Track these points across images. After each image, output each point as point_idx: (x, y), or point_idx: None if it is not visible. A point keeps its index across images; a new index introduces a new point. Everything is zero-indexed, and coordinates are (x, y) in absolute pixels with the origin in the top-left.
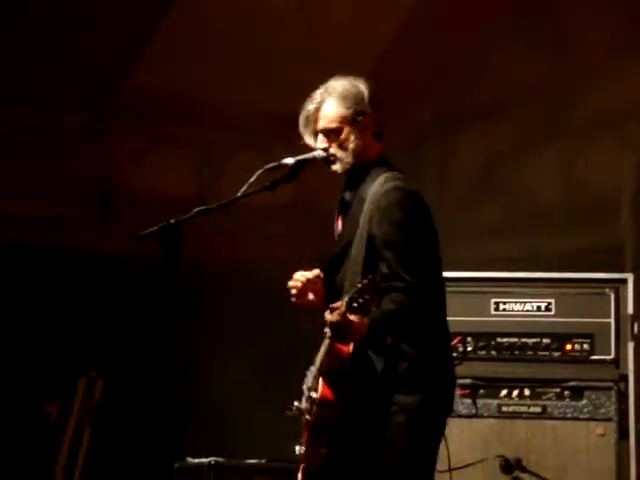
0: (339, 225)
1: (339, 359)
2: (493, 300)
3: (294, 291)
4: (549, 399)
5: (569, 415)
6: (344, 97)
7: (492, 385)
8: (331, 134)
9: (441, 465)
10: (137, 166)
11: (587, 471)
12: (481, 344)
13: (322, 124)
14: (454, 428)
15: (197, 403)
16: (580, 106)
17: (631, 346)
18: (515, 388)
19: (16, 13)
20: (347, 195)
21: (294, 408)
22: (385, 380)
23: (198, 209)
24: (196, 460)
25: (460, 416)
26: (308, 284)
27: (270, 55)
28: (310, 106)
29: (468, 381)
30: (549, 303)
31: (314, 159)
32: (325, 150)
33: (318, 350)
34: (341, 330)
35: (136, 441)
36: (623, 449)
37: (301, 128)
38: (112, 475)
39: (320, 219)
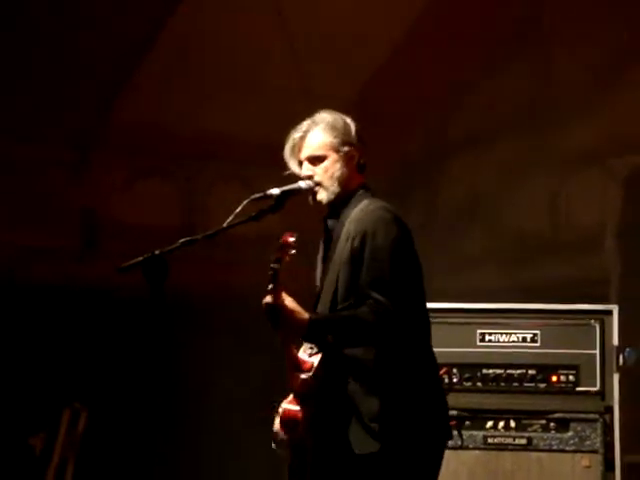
0: (320, 252)
1: (299, 370)
2: (479, 331)
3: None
4: (535, 431)
5: (555, 447)
6: (332, 127)
7: (478, 416)
8: (316, 162)
9: None
10: (121, 198)
11: None
12: (467, 375)
13: (308, 152)
14: None
15: (183, 436)
16: (564, 138)
17: (616, 378)
18: (501, 419)
19: (6, 47)
20: (329, 225)
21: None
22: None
23: (183, 240)
24: None
25: (446, 448)
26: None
27: (255, 87)
28: (296, 135)
29: (454, 412)
30: (535, 334)
31: (299, 189)
32: (310, 178)
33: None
34: (274, 313)
35: (120, 474)
36: None
37: (286, 156)
38: None
39: (306, 248)
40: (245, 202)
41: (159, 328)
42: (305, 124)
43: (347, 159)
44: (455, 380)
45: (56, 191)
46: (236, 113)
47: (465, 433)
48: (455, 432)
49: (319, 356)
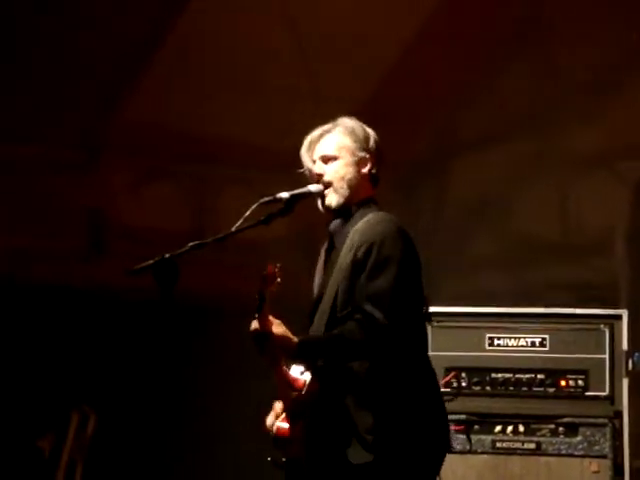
0: (321, 261)
1: (292, 389)
2: (488, 335)
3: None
4: (543, 435)
5: (563, 452)
6: (351, 131)
7: (486, 421)
8: (329, 162)
9: None
10: (129, 199)
11: None
12: (475, 379)
13: (322, 150)
14: (448, 464)
15: (192, 438)
16: (573, 141)
17: (626, 382)
18: (509, 424)
19: (6, 47)
20: (332, 230)
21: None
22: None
23: (193, 243)
24: None
25: (454, 452)
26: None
27: (264, 89)
28: (315, 133)
29: (462, 417)
30: (544, 339)
31: (309, 193)
32: (320, 176)
33: None
34: (260, 340)
35: (129, 477)
36: None
37: (302, 153)
38: None
39: (315, 252)
40: (254, 206)
41: (168, 331)
42: (327, 125)
43: (360, 165)
44: (464, 384)
45: (63, 192)
46: (244, 115)
47: (473, 437)
48: (464, 436)
49: (309, 375)
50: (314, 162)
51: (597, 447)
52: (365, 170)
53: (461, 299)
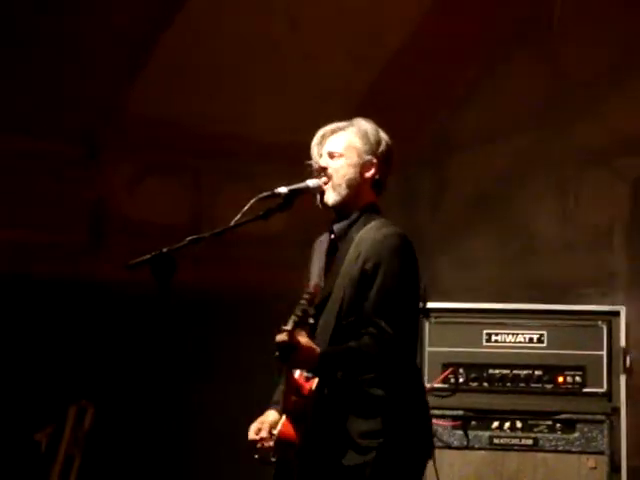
0: (323, 264)
1: (299, 394)
2: (485, 331)
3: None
4: (541, 431)
5: (561, 448)
6: (364, 134)
7: (484, 417)
8: (335, 158)
9: None
10: (129, 194)
11: None
12: (473, 375)
13: (331, 146)
14: (445, 460)
15: (190, 433)
16: (572, 137)
17: (623, 379)
18: (507, 420)
19: (7, 44)
20: (336, 231)
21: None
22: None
23: (191, 238)
24: None
25: (451, 448)
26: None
27: (263, 84)
28: (329, 127)
29: (460, 412)
30: (541, 335)
31: (307, 188)
32: (323, 169)
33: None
34: (288, 350)
35: (126, 471)
36: None
37: (313, 145)
38: None
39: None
40: (253, 200)
41: (166, 325)
42: (343, 122)
43: (364, 168)
44: (461, 380)
45: (63, 187)
46: (243, 110)
47: (471, 433)
48: (461, 432)
49: (316, 380)
50: (321, 156)
51: (594, 444)
52: (368, 174)
53: (459, 294)
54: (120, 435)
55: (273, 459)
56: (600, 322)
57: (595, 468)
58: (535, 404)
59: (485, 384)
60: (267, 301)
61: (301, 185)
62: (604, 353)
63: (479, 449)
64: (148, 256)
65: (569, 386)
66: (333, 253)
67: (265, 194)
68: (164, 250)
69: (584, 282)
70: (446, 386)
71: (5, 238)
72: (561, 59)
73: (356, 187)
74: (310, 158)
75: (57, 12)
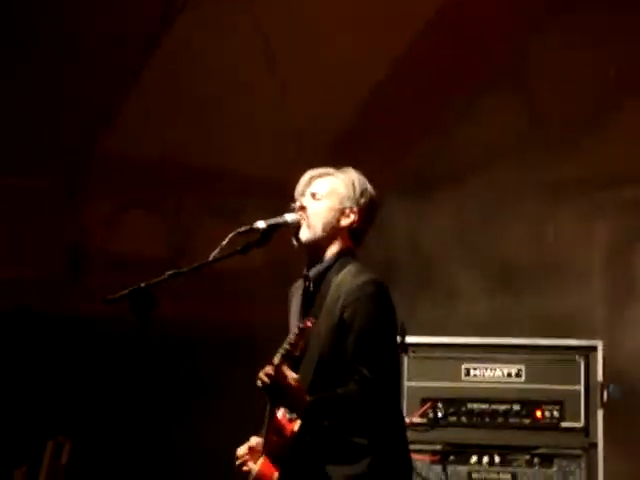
0: (298, 307)
1: (280, 435)
2: (464, 366)
3: (260, 384)
4: (519, 466)
5: None
6: (350, 183)
7: (462, 451)
8: (316, 200)
9: None
10: (107, 229)
11: None
12: (451, 410)
13: (315, 188)
14: None
15: (168, 468)
16: (552, 171)
17: (600, 414)
18: (485, 454)
19: None
20: (314, 277)
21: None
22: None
23: (169, 272)
24: None
25: None
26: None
27: (241, 119)
28: (319, 170)
29: (438, 447)
30: (519, 369)
31: (286, 223)
32: (302, 208)
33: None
34: (275, 387)
35: None
36: None
37: (301, 183)
38: None
39: (291, 281)
40: (231, 235)
41: (145, 360)
42: (334, 169)
43: (343, 215)
44: (440, 415)
45: (40, 222)
46: (224, 146)
47: (450, 468)
48: (440, 467)
49: (299, 422)
50: (304, 195)
51: (572, 478)
52: (345, 222)
53: (437, 329)
54: (98, 470)
55: None
56: (577, 356)
57: None
58: (513, 438)
59: (463, 419)
60: (247, 335)
61: (279, 220)
62: (581, 387)
63: None
64: (126, 291)
65: (547, 421)
66: (309, 299)
67: (243, 228)
68: (142, 285)
69: (562, 316)
70: (424, 421)
71: None
72: (540, 94)
73: (331, 232)
74: (292, 197)
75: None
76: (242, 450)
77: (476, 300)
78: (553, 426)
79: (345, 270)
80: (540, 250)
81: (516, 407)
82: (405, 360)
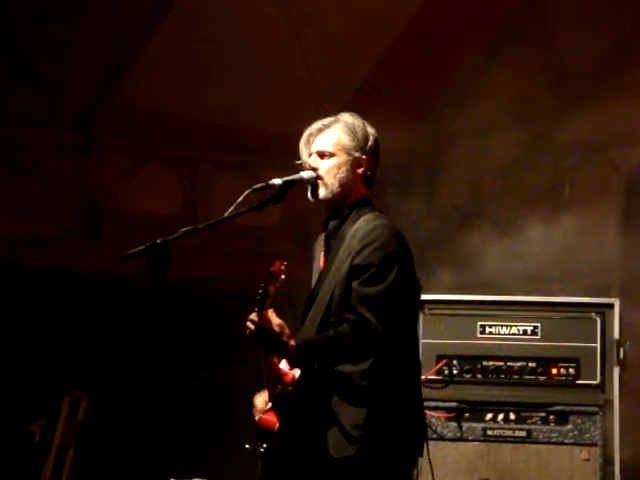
0: (321, 264)
1: (282, 383)
2: (479, 323)
3: (247, 332)
4: (534, 423)
5: (554, 439)
6: (351, 129)
7: (477, 409)
8: (325, 158)
9: None
10: (123, 184)
11: None
12: (467, 367)
13: (319, 146)
14: (439, 452)
15: (182, 423)
16: (566, 129)
17: (617, 371)
18: (500, 412)
19: (6, 34)
20: (329, 232)
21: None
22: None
23: (185, 229)
24: None
25: (445, 439)
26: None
27: (257, 75)
28: (315, 126)
29: (453, 404)
30: (535, 327)
31: (301, 180)
32: (314, 170)
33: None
34: (260, 333)
35: (120, 461)
36: (608, 474)
37: (301, 145)
38: None
39: (306, 240)
40: (247, 192)
41: (160, 315)
42: (328, 119)
43: (355, 165)
44: (455, 372)
45: (58, 176)
46: (239, 100)
47: (464, 425)
48: (455, 424)
49: (299, 369)
50: (310, 155)
51: (587, 435)
52: (359, 171)
53: (453, 287)
54: (114, 425)
55: (262, 449)
56: (594, 314)
57: (588, 460)
58: (529, 396)
59: (479, 376)
60: (256, 287)
61: (295, 176)
62: (598, 345)
63: (472, 441)
64: (142, 247)
65: (563, 378)
66: (328, 252)
67: (259, 185)
68: (158, 241)
69: (579, 274)
70: (440, 378)
71: None
72: (556, 48)
73: (347, 184)
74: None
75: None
76: (259, 402)
77: (492, 258)
78: (569, 383)
79: (360, 220)
80: (556, 208)
81: (532, 364)
82: (420, 317)
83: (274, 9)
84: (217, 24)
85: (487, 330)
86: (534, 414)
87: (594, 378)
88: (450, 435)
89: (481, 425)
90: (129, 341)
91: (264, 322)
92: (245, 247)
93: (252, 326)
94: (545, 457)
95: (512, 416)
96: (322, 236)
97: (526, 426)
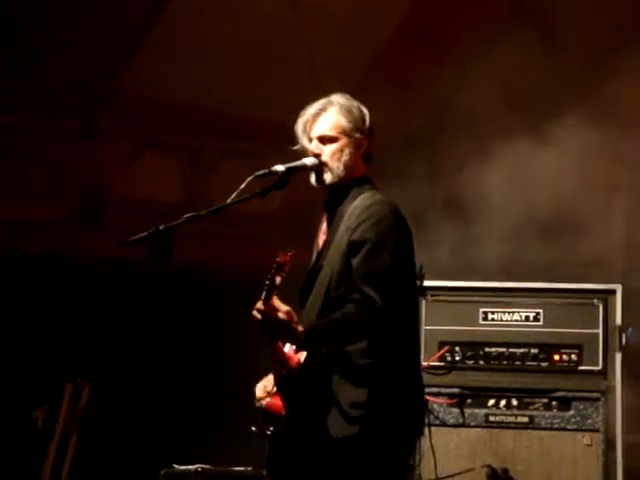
0: (320, 243)
1: (287, 367)
2: (482, 310)
3: (255, 320)
4: (536, 409)
5: (556, 425)
6: (347, 110)
7: (480, 395)
8: (326, 142)
9: (428, 474)
10: (125, 171)
11: None
12: (469, 353)
13: (320, 130)
14: (441, 437)
15: (185, 409)
16: (567, 120)
17: (619, 357)
18: (503, 398)
19: (8, 23)
20: (330, 211)
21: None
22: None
23: (187, 215)
24: (182, 467)
25: (447, 425)
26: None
27: (259, 60)
28: (311, 110)
29: (456, 390)
30: (537, 313)
31: (304, 167)
32: (317, 156)
33: None
34: (267, 321)
35: (123, 447)
36: (610, 460)
37: (298, 131)
38: None
39: (308, 227)
40: (249, 178)
41: (162, 302)
42: (321, 102)
43: (356, 146)
44: (457, 358)
45: (58, 162)
46: (241, 87)
47: (467, 411)
48: (457, 410)
49: (304, 352)
50: (310, 140)
51: (590, 421)
52: (360, 151)
53: (455, 274)
54: (116, 412)
55: (268, 432)
56: (596, 300)
57: (590, 445)
58: (531, 382)
59: (481, 362)
60: (263, 277)
61: (298, 163)
62: (600, 331)
63: (475, 427)
64: (145, 233)
65: (565, 364)
66: (329, 233)
67: (262, 172)
68: (161, 227)
69: (580, 260)
70: (442, 364)
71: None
72: (559, 36)
73: (352, 165)
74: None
75: None
76: (260, 391)
77: (493, 244)
78: (571, 369)
79: (360, 197)
80: (558, 194)
81: (534, 350)
82: (423, 304)
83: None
84: (218, 11)
85: (489, 316)
86: (536, 400)
87: (596, 364)
88: (452, 421)
89: (483, 411)
90: (131, 328)
91: (271, 310)
92: (247, 234)
93: (259, 315)
94: (547, 443)
95: (514, 402)
96: (324, 217)
97: (528, 412)
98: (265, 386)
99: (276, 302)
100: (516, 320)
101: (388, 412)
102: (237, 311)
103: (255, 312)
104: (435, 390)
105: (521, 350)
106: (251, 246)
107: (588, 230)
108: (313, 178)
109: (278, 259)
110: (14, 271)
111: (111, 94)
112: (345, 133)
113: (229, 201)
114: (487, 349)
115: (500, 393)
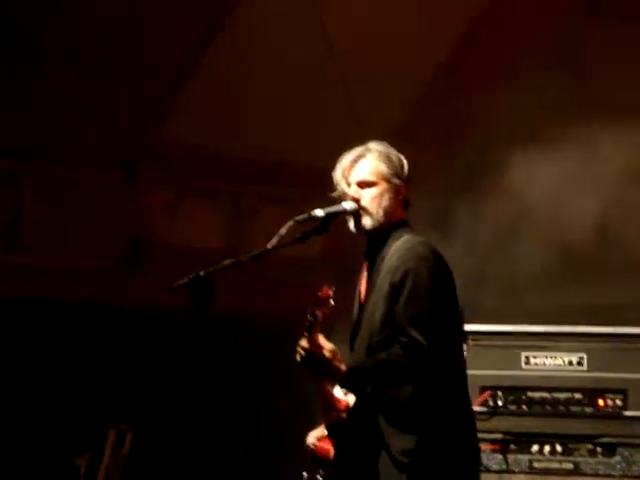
0: (362, 290)
1: (336, 410)
2: (524, 354)
3: (298, 357)
4: (581, 455)
5: (601, 472)
6: (386, 157)
7: (523, 440)
8: (366, 187)
9: None
10: (167, 219)
11: None
12: (512, 398)
13: (359, 175)
14: None
15: (227, 454)
16: (613, 155)
17: None
18: (546, 443)
19: (46, 70)
20: (371, 259)
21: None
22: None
23: (228, 261)
24: None
25: (490, 471)
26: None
27: (300, 109)
28: (350, 157)
29: (498, 436)
30: (581, 358)
31: (344, 211)
32: (356, 201)
33: None
34: (311, 358)
35: None
36: None
37: (336, 177)
38: None
39: (348, 271)
40: (289, 223)
41: (202, 348)
42: (359, 149)
43: (395, 192)
44: (500, 403)
45: (102, 211)
46: (282, 134)
47: (510, 457)
48: (500, 456)
49: (353, 396)
50: (349, 185)
51: (636, 467)
52: (399, 197)
53: (497, 317)
54: (159, 458)
55: (319, 477)
56: None
57: None
58: (575, 427)
59: (524, 407)
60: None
61: (337, 208)
62: None
63: (519, 473)
64: (186, 279)
65: (610, 409)
66: (370, 277)
67: (302, 217)
68: (202, 273)
69: (625, 304)
70: (484, 409)
71: (43, 264)
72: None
73: (391, 211)
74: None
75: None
76: (312, 436)
77: (538, 288)
78: (616, 415)
79: (400, 240)
80: (602, 236)
81: (578, 395)
82: (464, 348)
83: (315, 44)
84: (257, 58)
85: (532, 361)
86: (581, 446)
87: None
88: (496, 467)
89: (527, 457)
90: (174, 374)
91: (315, 347)
92: (287, 278)
93: (302, 352)
94: None
95: (559, 448)
96: (365, 265)
97: (573, 458)
98: (317, 437)
99: (321, 340)
100: (559, 365)
101: (439, 458)
102: (277, 354)
103: (298, 348)
104: (478, 436)
105: (565, 395)
106: (291, 290)
107: (633, 271)
108: (352, 224)
109: (319, 293)
110: (60, 319)
111: (152, 143)
112: (384, 179)
113: (269, 246)
114: (530, 394)
115: (544, 439)
